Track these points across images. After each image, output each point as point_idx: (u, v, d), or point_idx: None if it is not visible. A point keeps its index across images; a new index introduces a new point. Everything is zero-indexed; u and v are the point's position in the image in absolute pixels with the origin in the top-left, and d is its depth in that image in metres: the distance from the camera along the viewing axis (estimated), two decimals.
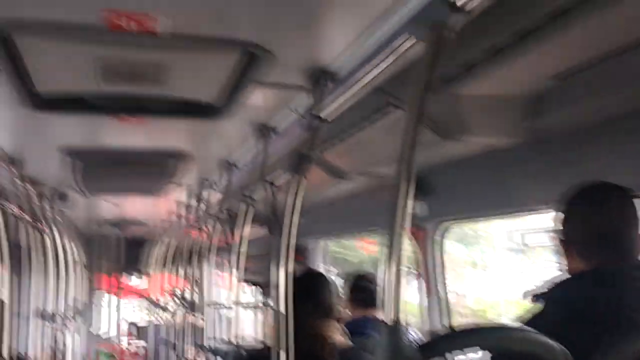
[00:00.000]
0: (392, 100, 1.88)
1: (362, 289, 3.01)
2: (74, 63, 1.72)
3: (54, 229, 4.27)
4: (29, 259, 3.22)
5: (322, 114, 1.78)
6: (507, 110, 1.85)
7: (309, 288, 2.11)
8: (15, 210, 2.71)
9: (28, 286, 3.30)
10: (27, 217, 3.05)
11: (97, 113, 2.14)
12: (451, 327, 2.56)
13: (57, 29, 1.43)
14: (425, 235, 2.58)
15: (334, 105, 1.70)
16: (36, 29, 1.43)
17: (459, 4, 1.09)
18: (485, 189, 2.28)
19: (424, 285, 2.65)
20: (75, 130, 2.58)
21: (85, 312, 7.67)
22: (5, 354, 2.29)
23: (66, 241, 5.21)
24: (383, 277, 1.14)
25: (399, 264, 1.14)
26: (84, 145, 2.83)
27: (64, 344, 5.03)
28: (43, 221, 3.57)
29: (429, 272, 2.60)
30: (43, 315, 3.68)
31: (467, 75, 1.59)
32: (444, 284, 2.60)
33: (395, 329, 1.11)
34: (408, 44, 1.29)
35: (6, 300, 2.37)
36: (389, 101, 1.88)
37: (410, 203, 1.19)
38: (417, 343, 1.13)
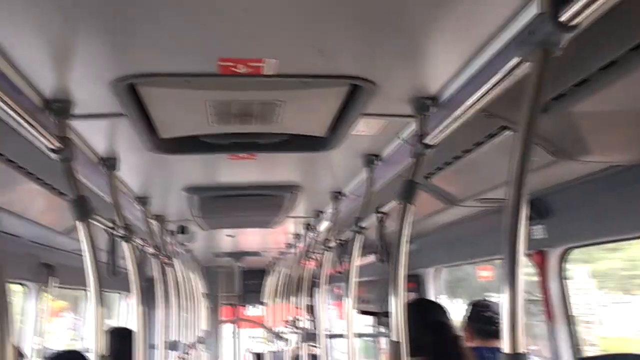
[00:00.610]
0: (501, 122, 1.83)
1: (480, 317, 2.90)
2: (191, 107, 1.84)
3: (177, 261, 4.54)
4: (155, 291, 3.43)
5: (428, 140, 1.77)
6: (628, 127, 1.74)
7: (426, 316, 2.08)
8: (143, 245, 2.92)
9: (155, 316, 3.51)
10: (153, 251, 3.27)
11: (212, 152, 2.27)
12: (579, 357, 2.40)
13: (176, 78, 1.55)
14: (545, 259, 2.45)
15: (440, 130, 1.69)
16: (159, 80, 1.55)
17: (565, 20, 1.05)
18: (609, 211, 2.13)
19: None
20: (193, 169, 2.75)
21: (208, 341, 8.01)
22: None
23: (189, 273, 5.52)
24: (502, 304, 1.11)
25: (517, 291, 1.10)
26: (202, 183, 3.00)
27: None
28: (167, 254, 3.81)
29: (551, 298, 2.45)
30: (170, 345, 3.89)
31: (581, 92, 1.52)
32: (568, 310, 2.44)
33: (514, 357, 1.07)
34: (515, 65, 1.26)
35: (137, 330, 2.53)
36: (497, 123, 1.83)
37: (524, 227, 1.14)
38: None
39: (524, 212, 1.14)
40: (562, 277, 2.46)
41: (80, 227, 1.81)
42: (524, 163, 1.15)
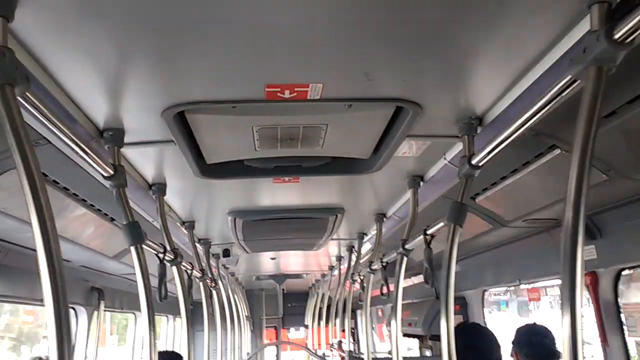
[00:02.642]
0: (550, 141, 1.79)
1: (529, 342, 2.82)
2: (237, 133, 1.87)
3: (221, 284, 4.58)
4: (201, 314, 3.46)
5: (475, 161, 1.75)
6: None
7: (472, 341, 2.03)
8: (190, 268, 2.96)
9: (200, 339, 3.54)
10: (199, 275, 3.31)
11: (257, 176, 2.29)
12: None
13: (224, 105, 1.58)
14: (596, 281, 2.37)
15: (487, 151, 1.66)
16: (207, 107, 1.59)
17: (620, 37, 1.03)
18: None
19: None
20: (237, 193, 2.78)
21: None
22: None
23: (232, 296, 5.55)
24: (561, 326, 1.07)
25: (577, 313, 1.07)
26: (246, 206, 3.03)
27: None
28: (212, 277, 3.85)
29: (603, 320, 2.37)
30: None
31: (634, 108, 1.48)
32: (624, 333, 2.35)
33: None
34: (567, 83, 1.24)
35: (186, 354, 2.55)
36: (546, 142, 1.80)
37: (582, 247, 1.12)
38: None
39: (582, 233, 1.12)
40: (616, 299, 2.37)
41: (133, 251, 1.86)
42: (581, 182, 1.12)
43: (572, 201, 1.11)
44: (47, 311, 1.10)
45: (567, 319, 1.07)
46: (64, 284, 1.12)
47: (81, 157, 1.59)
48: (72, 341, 1.21)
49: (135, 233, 1.85)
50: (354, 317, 6.58)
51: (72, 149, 1.51)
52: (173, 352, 3.23)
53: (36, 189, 1.11)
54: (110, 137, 1.71)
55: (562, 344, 1.07)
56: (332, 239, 4.08)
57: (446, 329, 1.75)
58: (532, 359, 2.74)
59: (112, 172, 1.71)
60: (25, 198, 1.12)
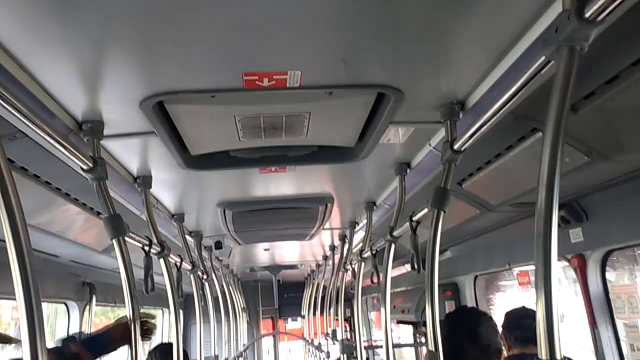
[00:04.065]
0: (532, 124, 1.79)
1: (518, 325, 2.83)
2: (219, 123, 1.86)
3: (215, 277, 4.58)
4: (193, 307, 3.46)
5: (458, 145, 1.74)
6: None
7: (465, 325, 2.04)
8: (178, 261, 2.95)
9: (194, 331, 3.54)
10: (190, 267, 3.30)
11: (243, 166, 2.28)
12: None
13: (203, 95, 1.57)
14: (584, 263, 2.37)
15: (470, 135, 1.66)
16: (186, 97, 1.58)
17: (590, 16, 1.02)
18: None
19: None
20: (226, 184, 2.78)
21: (248, 354, 8.04)
22: None
23: (227, 288, 5.56)
24: (536, 309, 1.08)
25: (551, 296, 1.07)
26: (235, 197, 3.03)
27: None
28: (204, 270, 3.85)
29: (591, 303, 2.38)
30: (210, 358, 3.92)
31: (612, 89, 1.48)
32: (612, 314, 2.36)
33: None
34: (542, 64, 1.23)
35: (174, 345, 2.55)
36: (527, 125, 1.80)
37: (555, 230, 1.11)
38: None
39: (555, 216, 1.11)
40: (604, 281, 2.38)
41: (115, 244, 1.85)
42: (554, 165, 1.12)
43: (545, 183, 1.11)
44: (19, 306, 1.09)
45: (542, 301, 1.07)
46: (35, 277, 1.10)
47: (59, 151, 1.58)
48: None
49: (117, 226, 1.85)
50: (350, 306, 6.58)
51: (50, 143, 1.50)
52: (167, 344, 3.23)
53: (2, 178, 1.09)
54: (89, 130, 1.70)
55: (538, 326, 1.07)
56: (324, 229, 4.08)
57: (431, 314, 1.75)
58: (521, 342, 2.75)
59: (91, 165, 1.70)
60: None
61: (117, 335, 2.23)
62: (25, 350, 1.07)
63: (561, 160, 1.12)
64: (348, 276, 4.43)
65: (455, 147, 1.75)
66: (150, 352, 3.31)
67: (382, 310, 2.82)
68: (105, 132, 1.75)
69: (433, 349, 1.74)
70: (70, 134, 1.66)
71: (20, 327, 1.08)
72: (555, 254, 1.10)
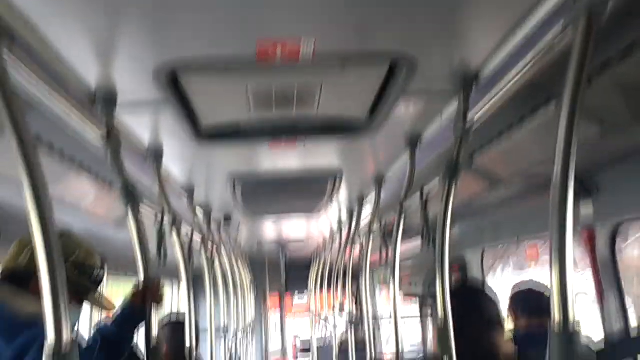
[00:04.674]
0: (547, 95, 1.77)
1: (526, 298, 2.86)
2: (231, 94, 1.86)
3: (224, 251, 4.62)
4: (203, 280, 3.50)
5: (472, 117, 1.74)
6: None
7: (471, 298, 2.05)
8: (190, 234, 2.98)
9: (204, 305, 3.58)
10: (200, 241, 3.33)
11: (253, 138, 2.29)
12: (628, 334, 2.32)
13: (215, 64, 1.57)
14: (593, 237, 2.38)
15: (484, 107, 1.65)
16: (198, 66, 1.58)
17: None
18: None
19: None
20: (236, 158, 2.78)
21: (255, 327, 8.15)
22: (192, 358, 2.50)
23: (236, 262, 5.61)
24: (551, 282, 1.08)
25: (566, 267, 1.08)
26: (245, 172, 3.03)
27: (239, 357, 5.38)
28: (214, 244, 3.88)
29: (600, 276, 2.39)
30: (219, 330, 3.97)
31: (630, 60, 1.46)
32: (619, 288, 2.37)
33: (564, 336, 1.04)
34: (558, 33, 1.22)
35: (187, 316, 2.59)
36: (542, 96, 1.79)
37: (571, 203, 1.12)
38: (592, 350, 1.04)
39: (572, 187, 1.12)
40: (613, 254, 2.38)
41: (130, 213, 1.87)
42: (571, 136, 1.12)
43: (561, 155, 1.11)
44: (42, 281, 1.10)
45: (556, 272, 1.07)
46: (59, 253, 1.11)
47: (74, 120, 1.59)
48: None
49: (131, 194, 1.86)
50: (356, 282, 6.64)
51: (65, 112, 1.50)
52: (177, 322, 3.28)
53: (27, 152, 1.10)
54: (103, 99, 1.70)
55: (552, 298, 1.07)
56: (332, 204, 4.10)
57: (441, 287, 1.76)
58: (528, 315, 2.78)
59: (105, 135, 1.71)
60: (17, 161, 1.11)
61: (137, 303, 2.24)
62: (49, 325, 1.08)
63: (577, 132, 1.12)
64: (355, 251, 4.45)
65: (469, 118, 1.74)
66: (161, 329, 3.35)
67: (391, 283, 2.84)
68: (119, 102, 1.75)
69: (442, 326, 1.75)
70: (84, 103, 1.66)
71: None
72: (571, 226, 1.10)
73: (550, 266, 1.08)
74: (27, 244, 2.00)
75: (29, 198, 1.10)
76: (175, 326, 3.17)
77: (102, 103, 1.71)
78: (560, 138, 1.12)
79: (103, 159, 1.87)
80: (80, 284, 2.07)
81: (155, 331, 1.94)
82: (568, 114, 1.12)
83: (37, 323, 1.61)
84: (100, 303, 2.14)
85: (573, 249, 1.10)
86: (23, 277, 1.89)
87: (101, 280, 2.23)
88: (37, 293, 1.74)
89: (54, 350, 1.05)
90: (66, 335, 1.07)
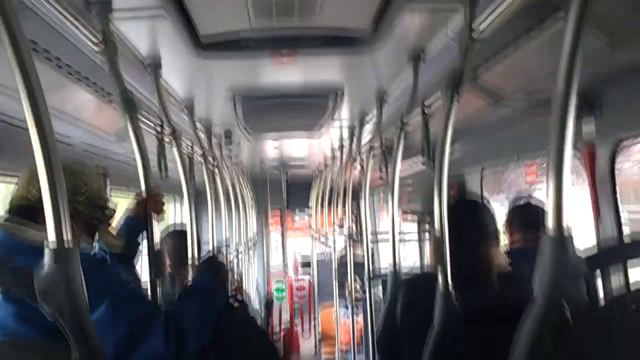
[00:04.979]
0: (554, 4, 1.71)
1: (522, 217, 2.90)
2: (229, 1, 1.81)
3: (225, 169, 4.64)
4: (205, 197, 3.53)
5: (477, 29, 1.69)
6: None
7: (468, 209, 2.08)
8: (190, 147, 2.98)
9: (206, 222, 3.64)
10: (200, 155, 3.34)
11: (253, 50, 2.24)
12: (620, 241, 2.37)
13: None
14: (594, 154, 2.38)
15: (490, 19, 1.60)
16: None
17: None
18: None
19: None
20: (236, 72, 2.74)
21: (257, 245, 8.35)
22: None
23: (237, 181, 5.66)
24: (546, 189, 1.09)
25: (563, 176, 1.08)
26: (245, 86, 3.00)
27: (241, 272, 5.54)
28: (214, 160, 3.90)
29: (597, 193, 2.41)
30: (221, 246, 4.06)
31: None
32: (615, 203, 2.39)
33: (558, 239, 1.07)
34: None
35: (188, 229, 2.64)
36: (550, 6, 1.73)
37: (572, 118, 1.11)
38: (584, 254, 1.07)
39: (574, 102, 1.11)
40: (612, 171, 2.39)
41: (129, 123, 1.86)
42: (576, 48, 1.09)
43: (565, 68, 1.09)
44: (42, 190, 1.11)
45: (552, 179, 1.08)
46: (57, 160, 1.11)
47: (69, 27, 1.55)
48: None
49: (130, 104, 1.85)
50: (356, 201, 6.73)
51: (60, 19, 1.46)
52: (180, 231, 3.33)
53: (22, 59, 1.08)
54: (98, 5, 1.65)
55: (547, 203, 1.09)
56: (333, 123, 4.08)
57: (439, 199, 1.78)
58: (524, 230, 2.83)
59: (101, 42, 1.67)
60: (12, 69, 1.09)
61: (139, 212, 2.28)
62: (49, 225, 1.10)
63: (582, 44, 1.09)
64: (356, 171, 4.48)
65: (474, 31, 1.69)
66: (163, 238, 3.40)
67: (390, 200, 2.87)
68: (115, 7, 1.70)
69: (439, 236, 1.79)
70: (79, 9, 1.62)
71: None
72: (570, 139, 1.10)
73: (547, 175, 1.09)
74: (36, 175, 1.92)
75: (26, 106, 1.09)
76: (178, 233, 3.23)
77: (97, 8, 1.66)
78: (565, 50, 1.10)
79: (102, 69, 1.85)
80: (93, 217, 1.99)
81: (157, 238, 1.98)
82: (574, 25, 1.09)
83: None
84: (109, 240, 2.10)
85: (572, 166, 1.11)
86: (34, 208, 1.76)
87: (111, 217, 2.15)
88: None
89: (57, 249, 1.08)
90: (66, 236, 1.09)
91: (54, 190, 1.09)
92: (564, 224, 1.07)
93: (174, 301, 1.99)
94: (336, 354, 6.03)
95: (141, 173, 1.90)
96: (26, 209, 1.81)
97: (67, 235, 1.09)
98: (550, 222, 1.08)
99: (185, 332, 1.80)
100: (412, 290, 2.15)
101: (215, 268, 2.26)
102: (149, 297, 1.93)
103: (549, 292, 1.08)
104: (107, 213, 2.08)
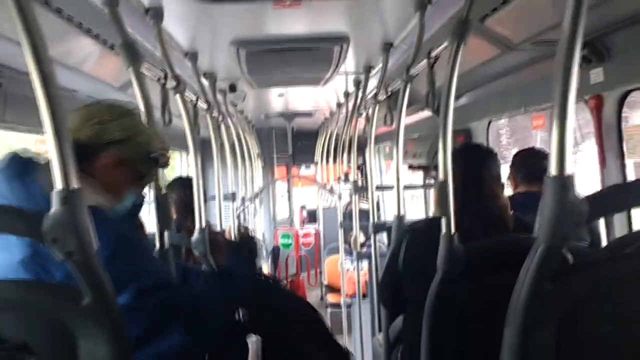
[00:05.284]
0: None
1: (526, 163, 2.91)
2: None
3: (230, 121, 4.63)
4: (210, 149, 3.53)
5: None
6: None
7: (473, 153, 2.09)
8: (194, 99, 2.96)
9: (212, 174, 3.65)
10: (205, 107, 3.32)
11: None
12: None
13: None
14: (601, 103, 2.36)
15: None
16: None
17: None
18: None
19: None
20: (239, 20, 2.70)
21: (263, 197, 8.40)
22: (202, 224, 2.59)
23: (242, 133, 5.65)
24: (550, 133, 1.10)
25: (565, 119, 1.09)
26: (249, 36, 2.96)
27: (247, 223, 5.60)
28: (219, 112, 3.88)
29: (603, 143, 2.40)
30: (227, 196, 4.09)
31: None
32: (621, 153, 2.39)
33: (561, 181, 1.08)
34: None
35: (194, 180, 2.66)
36: None
37: (576, 64, 1.10)
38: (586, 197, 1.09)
39: (579, 49, 1.10)
40: (619, 121, 2.38)
41: (132, 73, 1.85)
42: None
43: (571, 14, 1.08)
44: (46, 136, 1.11)
45: (556, 123, 1.09)
46: (61, 109, 1.12)
47: None
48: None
49: (132, 53, 1.83)
50: (361, 154, 6.73)
51: None
52: (185, 178, 3.35)
53: (23, 10, 1.07)
54: None
55: (551, 145, 1.10)
56: (338, 73, 4.03)
57: (444, 145, 1.78)
58: (527, 179, 2.84)
59: None
60: (14, 19, 1.09)
61: None
62: (56, 170, 1.11)
63: None
64: (361, 123, 4.46)
65: None
66: (169, 185, 3.41)
67: (395, 151, 2.87)
68: None
69: (444, 181, 1.80)
70: None
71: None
72: (575, 85, 1.10)
73: (551, 119, 1.09)
74: (90, 116, 1.66)
75: (28, 54, 1.09)
76: (183, 181, 3.24)
77: None
78: None
79: (103, 18, 1.82)
80: (143, 165, 1.76)
81: (162, 184, 2.00)
82: None
83: (105, 217, 1.48)
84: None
85: (577, 115, 1.11)
86: (86, 155, 1.58)
87: (165, 165, 1.92)
88: (105, 176, 1.62)
89: (62, 191, 1.10)
90: (73, 182, 1.11)
91: (59, 135, 1.10)
92: (566, 167, 1.09)
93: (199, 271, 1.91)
94: (342, 302, 6.16)
95: (145, 123, 1.89)
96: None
97: (73, 179, 1.11)
98: (552, 165, 1.09)
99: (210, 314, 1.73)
100: (415, 237, 2.18)
101: (247, 249, 2.13)
102: (157, 246, 1.95)
103: (551, 234, 1.10)
104: (161, 161, 1.84)
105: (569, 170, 1.09)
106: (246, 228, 5.01)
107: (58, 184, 1.11)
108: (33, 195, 1.44)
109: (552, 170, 1.09)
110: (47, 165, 1.38)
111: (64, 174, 1.10)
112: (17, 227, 1.14)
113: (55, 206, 1.10)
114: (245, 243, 2.61)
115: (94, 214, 1.18)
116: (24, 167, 1.53)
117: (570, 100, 1.09)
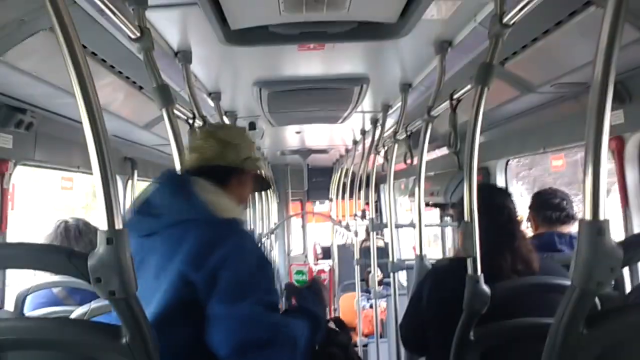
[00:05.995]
0: None
1: (544, 204, 2.90)
2: None
3: None
4: None
5: (506, 19, 1.70)
6: None
7: (490, 198, 2.10)
8: None
9: None
10: None
11: (282, 42, 2.27)
12: None
13: None
14: (622, 145, 2.37)
15: (519, 8, 1.61)
16: None
17: None
18: None
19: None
20: (263, 63, 2.77)
21: (278, 233, 8.39)
22: None
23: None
24: (583, 177, 1.11)
25: (599, 163, 1.10)
26: (271, 76, 3.03)
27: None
28: None
29: (626, 184, 2.41)
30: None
31: None
32: None
33: (595, 225, 1.09)
34: None
35: None
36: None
37: (609, 108, 1.13)
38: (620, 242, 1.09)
39: (609, 94, 1.12)
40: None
41: (165, 115, 1.91)
42: (613, 40, 1.11)
43: (603, 60, 1.11)
44: (95, 181, 1.15)
45: (590, 165, 1.10)
46: (109, 152, 1.16)
47: (107, 18, 1.59)
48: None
49: (166, 95, 1.89)
50: (377, 191, 6.75)
51: (98, 9, 1.50)
52: None
53: (75, 52, 1.13)
54: None
55: (584, 188, 1.11)
56: (356, 112, 4.09)
57: (469, 188, 1.80)
58: (548, 221, 2.83)
59: (138, 34, 1.71)
60: (65, 62, 1.14)
61: None
62: (101, 216, 1.15)
63: (621, 35, 1.10)
64: (378, 161, 4.49)
65: (504, 20, 1.70)
66: None
67: (416, 190, 2.89)
68: (150, 2, 1.74)
69: (469, 222, 1.80)
70: (116, 2, 1.66)
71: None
72: (607, 130, 1.12)
73: (585, 163, 1.11)
74: (212, 135, 1.85)
75: (80, 99, 1.14)
76: None
77: (134, 2, 1.70)
78: (602, 41, 1.11)
79: (134, 62, 1.89)
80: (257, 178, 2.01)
81: None
82: (612, 15, 1.10)
83: (237, 229, 1.63)
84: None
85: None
86: (229, 173, 1.81)
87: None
88: (239, 190, 1.82)
89: (107, 231, 1.13)
90: (118, 222, 1.14)
91: (105, 175, 1.14)
92: (600, 211, 1.09)
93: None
94: (358, 341, 6.08)
95: (177, 161, 1.94)
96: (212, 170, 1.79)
97: (118, 219, 1.14)
98: (587, 209, 1.10)
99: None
100: (440, 277, 2.18)
101: (319, 291, 2.13)
102: None
103: (586, 279, 1.10)
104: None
105: (603, 214, 1.09)
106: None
107: (104, 224, 1.14)
108: (194, 205, 1.60)
109: (587, 214, 1.10)
110: (197, 179, 1.65)
111: (110, 214, 1.13)
112: (63, 265, 1.17)
113: (100, 245, 1.13)
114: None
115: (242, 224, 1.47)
116: (183, 182, 1.70)
117: (603, 143, 1.11)
